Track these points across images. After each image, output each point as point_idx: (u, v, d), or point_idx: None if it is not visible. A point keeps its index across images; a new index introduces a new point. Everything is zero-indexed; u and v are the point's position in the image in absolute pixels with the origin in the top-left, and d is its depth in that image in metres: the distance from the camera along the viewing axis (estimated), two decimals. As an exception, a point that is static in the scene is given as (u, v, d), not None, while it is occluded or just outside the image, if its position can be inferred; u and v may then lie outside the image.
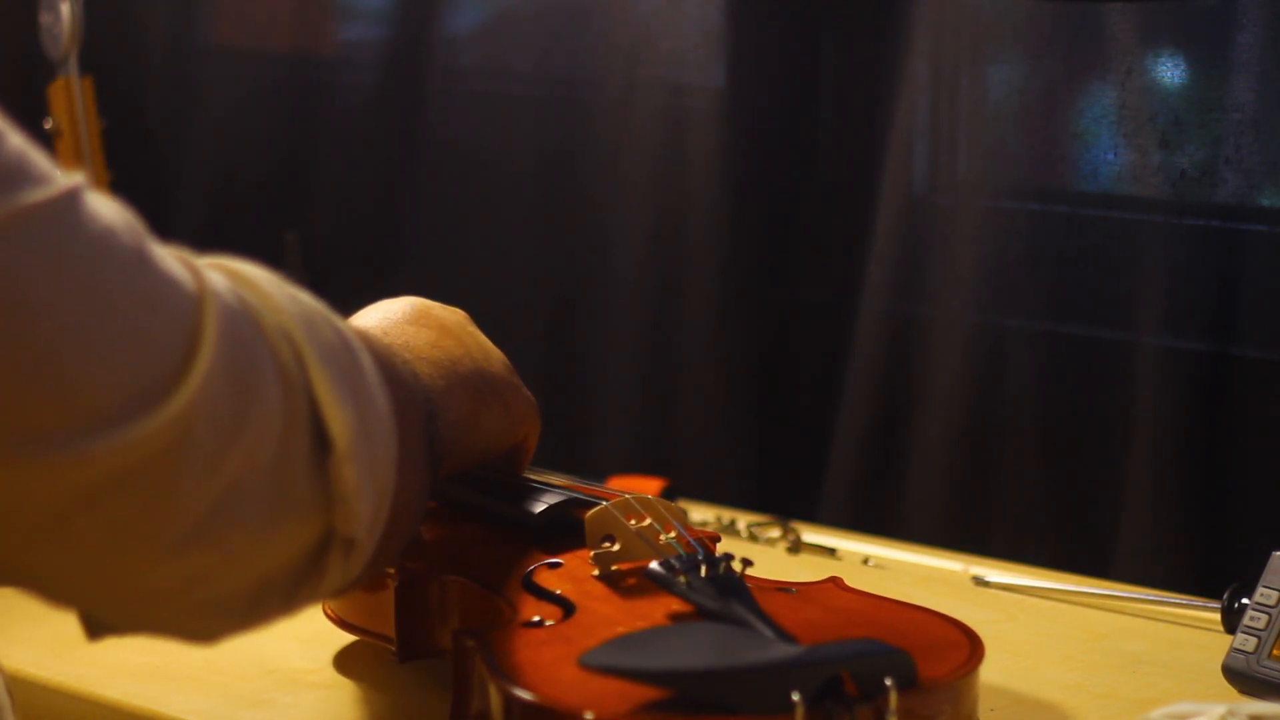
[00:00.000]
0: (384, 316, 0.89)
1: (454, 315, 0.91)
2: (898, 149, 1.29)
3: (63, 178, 0.61)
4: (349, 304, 1.56)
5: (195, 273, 0.64)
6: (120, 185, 1.28)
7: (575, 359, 1.47)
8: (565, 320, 1.50)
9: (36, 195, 0.59)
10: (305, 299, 0.69)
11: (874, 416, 1.32)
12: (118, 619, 0.67)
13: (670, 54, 1.40)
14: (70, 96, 1.24)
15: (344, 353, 0.68)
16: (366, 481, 0.67)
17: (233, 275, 0.67)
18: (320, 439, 0.66)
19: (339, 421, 0.66)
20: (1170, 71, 1.18)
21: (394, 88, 1.58)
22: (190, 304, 0.62)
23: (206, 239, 1.71)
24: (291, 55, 1.67)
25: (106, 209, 0.62)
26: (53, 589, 0.65)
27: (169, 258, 0.64)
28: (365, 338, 0.74)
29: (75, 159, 1.25)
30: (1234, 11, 1.15)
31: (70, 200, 0.60)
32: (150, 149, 1.71)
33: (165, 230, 1.96)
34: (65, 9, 1.22)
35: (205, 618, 0.68)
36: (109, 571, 0.63)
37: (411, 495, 0.75)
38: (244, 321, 0.65)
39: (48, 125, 1.25)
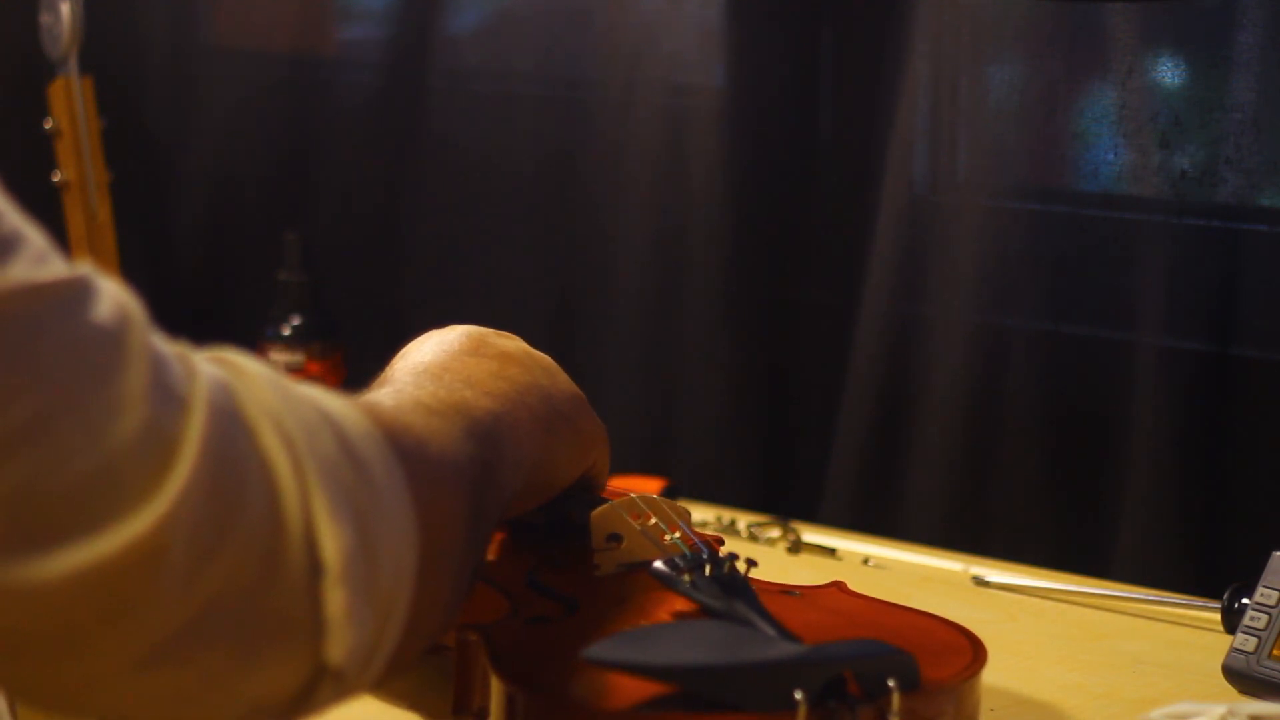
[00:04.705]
0: (441, 349, 0.83)
1: (512, 341, 0.87)
2: (898, 149, 1.29)
3: (62, 267, 0.56)
4: (349, 304, 1.57)
5: (189, 376, 0.59)
6: (120, 185, 1.28)
7: (576, 359, 1.46)
8: (566, 320, 1.50)
9: (19, 274, 0.54)
10: (311, 400, 0.64)
11: (874, 416, 1.32)
12: None
13: (671, 54, 1.40)
14: (70, 96, 1.24)
15: (346, 464, 0.63)
16: (362, 606, 0.62)
17: (234, 372, 0.62)
18: (316, 559, 0.61)
19: (332, 543, 0.61)
20: (1170, 71, 1.19)
21: (395, 88, 1.58)
22: (171, 412, 0.57)
23: (206, 239, 1.72)
24: (292, 55, 1.67)
25: (105, 303, 0.57)
26: (33, 698, 0.60)
27: (163, 359, 0.58)
28: (390, 423, 0.69)
29: (75, 159, 1.25)
30: (1234, 11, 1.15)
31: (52, 290, 0.55)
32: (150, 149, 1.71)
33: (165, 230, 1.95)
34: (65, 9, 1.22)
35: None
36: (73, 684, 0.58)
37: (438, 597, 0.70)
38: (236, 431, 0.59)
39: (48, 125, 1.25)
